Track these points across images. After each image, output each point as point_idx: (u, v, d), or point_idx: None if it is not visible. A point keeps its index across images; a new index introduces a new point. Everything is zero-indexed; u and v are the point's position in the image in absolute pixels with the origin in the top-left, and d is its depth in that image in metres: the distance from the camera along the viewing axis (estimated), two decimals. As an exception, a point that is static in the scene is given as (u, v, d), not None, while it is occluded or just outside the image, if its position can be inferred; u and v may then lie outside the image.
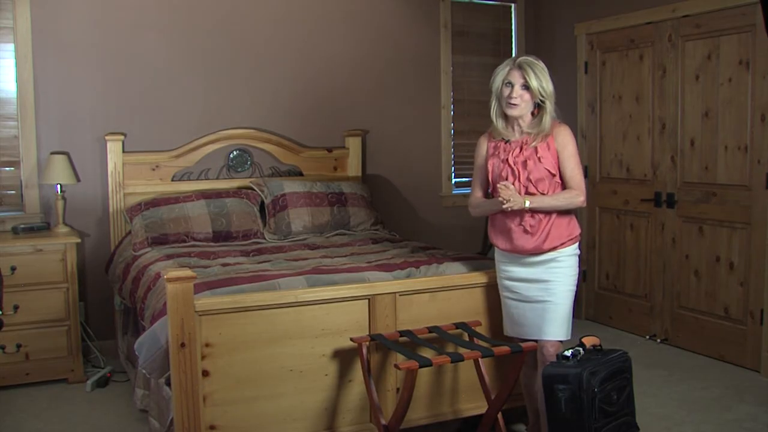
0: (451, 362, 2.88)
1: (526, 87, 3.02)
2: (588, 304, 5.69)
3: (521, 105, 3.05)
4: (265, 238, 4.59)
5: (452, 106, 5.82)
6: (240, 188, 4.92)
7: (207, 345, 2.91)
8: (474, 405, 3.37)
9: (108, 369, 4.37)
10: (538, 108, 3.08)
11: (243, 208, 4.66)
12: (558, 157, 3.06)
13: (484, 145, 3.23)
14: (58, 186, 4.52)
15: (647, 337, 5.11)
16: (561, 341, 3.11)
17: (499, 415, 3.16)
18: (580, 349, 2.90)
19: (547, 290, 3.08)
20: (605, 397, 2.77)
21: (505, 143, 3.13)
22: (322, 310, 3.09)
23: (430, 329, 3.20)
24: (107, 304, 4.72)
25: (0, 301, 3.28)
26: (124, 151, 4.73)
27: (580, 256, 3.19)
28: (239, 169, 5.08)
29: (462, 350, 3.03)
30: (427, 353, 2.95)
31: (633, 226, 5.28)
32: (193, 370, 2.86)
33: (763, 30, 3.80)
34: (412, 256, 3.83)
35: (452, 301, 3.33)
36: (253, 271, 3.47)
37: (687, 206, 4.84)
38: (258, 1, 5.13)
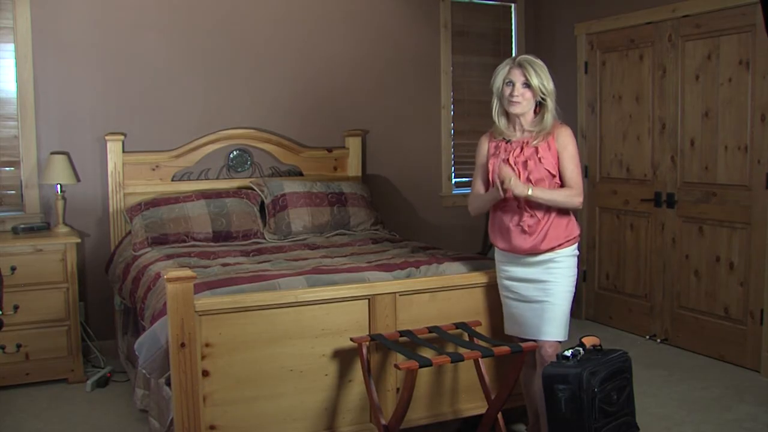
0: (451, 362, 2.88)
1: (527, 85, 3.03)
2: (588, 304, 5.69)
3: (523, 103, 3.05)
4: (265, 238, 4.59)
5: (452, 106, 5.83)
6: (240, 188, 4.92)
7: (207, 345, 2.91)
8: (474, 405, 3.37)
9: (108, 369, 4.37)
10: (540, 106, 3.09)
11: (243, 208, 4.66)
12: (558, 158, 3.06)
13: (485, 145, 3.23)
14: (58, 186, 4.52)
15: (647, 337, 5.11)
16: (559, 341, 3.11)
17: (499, 415, 3.16)
18: (580, 349, 2.90)
19: (545, 290, 3.08)
20: (605, 397, 2.77)
21: (506, 143, 3.14)
22: (322, 310, 3.09)
23: (430, 329, 3.20)
24: (107, 304, 4.72)
25: (0, 301, 3.28)
26: (124, 151, 4.73)
27: (579, 257, 3.19)
28: (239, 169, 5.08)
29: (462, 350, 3.03)
30: (427, 353, 2.95)
31: (633, 226, 5.28)
32: (193, 370, 2.86)
33: (763, 30, 3.80)
34: (412, 256, 3.83)
35: (452, 301, 3.33)
36: (253, 271, 3.47)
37: (687, 206, 4.84)
38: (258, 1, 5.13)
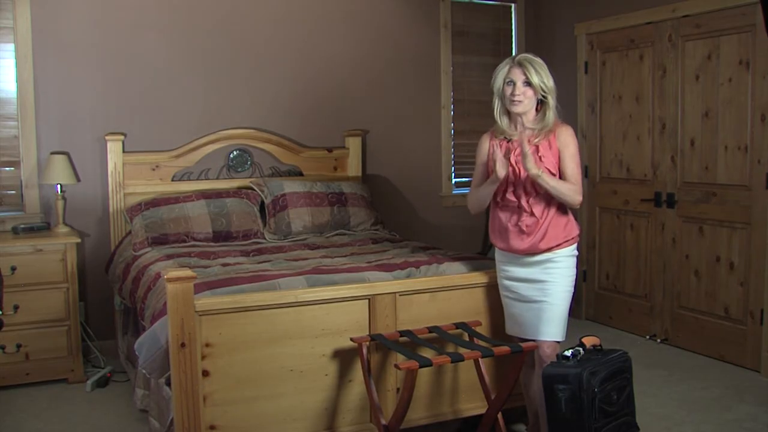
0: (451, 362, 2.88)
1: (528, 83, 3.03)
2: (588, 304, 5.69)
3: (525, 102, 3.05)
4: (265, 238, 4.59)
5: (452, 106, 5.83)
6: (240, 188, 4.92)
7: (207, 345, 2.91)
8: (474, 405, 3.37)
9: (108, 369, 4.37)
10: (541, 104, 3.09)
11: (243, 208, 4.66)
12: (559, 157, 3.06)
13: (485, 144, 3.23)
14: (58, 186, 4.52)
15: (647, 337, 5.11)
16: (558, 342, 3.11)
17: (499, 415, 3.16)
18: (580, 349, 2.90)
19: (544, 290, 3.08)
20: (605, 397, 2.77)
21: (507, 142, 3.13)
22: (322, 310, 3.09)
23: (430, 329, 3.20)
24: (107, 304, 4.72)
25: (0, 301, 3.28)
26: (124, 151, 4.73)
27: (578, 257, 3.19)
28: (239, 169, 5.08)
29: (462, 350, 3.03)
30: (427, 353, 2.95)
31: (633, 226, 5.28)
32: (193, 370, 2.86)
33: (763, 30, 3.80)
34: (413, 256, 3.83)
35: (452, 301, 3.33)
36: (253, 271, 3.47)
37: (687, 206, 4.84)
38: (258, 1, 5.13)
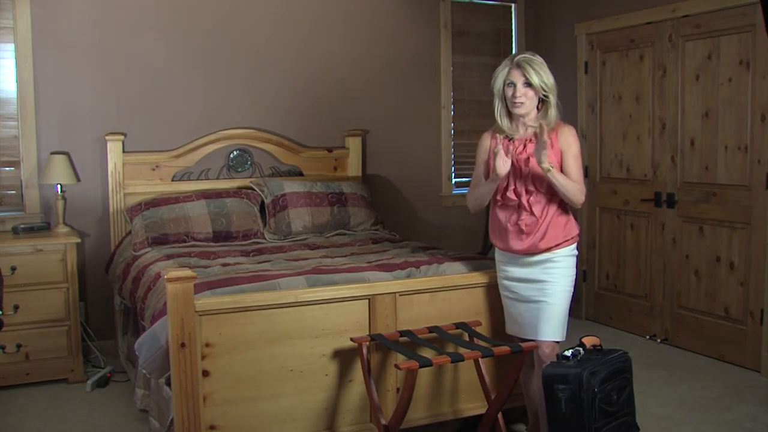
0: (451, 362, 2.88)
1: (528, 84, 3.02)
2: (588, 304, 5.69)
3: (526, 103, 3.04)
4: (265, 238, 4.59)
5: (452, 106, 5.83)
6: (240, 188, 4.92)
7: (207, 345, 2.91)
8: (474, 405, 3.37)
9: (108, 369, 4.37)
10: (542, 102, 3.08)
11: (243, 208, 4.66)
12: (561, 157, 3.06)
13: (486, 142, 3.22)
14: (58, 186, 4.52)
15: (647, 337, 5.11)
16: (557, 342, 3.11)
17: (499, 415, 3.16)
18: (580, 349, 2.90)
19: (543, 290, 3.08)
20: (605, 397, 2.77)
21: (509, 141, 3.13)
22: (322, 310, 3.09)
23: (430, 329, 3.20)
24: (107, 304, 4.72)
25: (0, 301, 3.28)
26: (124, 151, 4.73)
27: (578, 257, 3.18)
28: (239, 169, 5.08)
29: (462, 350, 3.03)
30: (427, 353, 2.95)
31: (633, 226, 5.28)
32: (193, 370, 2.86)
33: (763, 30, 3.80)
34: (413, 256, 3.83)
35: (452, 301, 3.33)
36: (253, 271, 3.47)
37: (687, 206, 4.84)
38: (258, 1, 5.13)
